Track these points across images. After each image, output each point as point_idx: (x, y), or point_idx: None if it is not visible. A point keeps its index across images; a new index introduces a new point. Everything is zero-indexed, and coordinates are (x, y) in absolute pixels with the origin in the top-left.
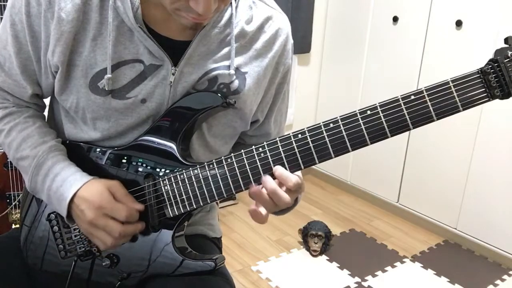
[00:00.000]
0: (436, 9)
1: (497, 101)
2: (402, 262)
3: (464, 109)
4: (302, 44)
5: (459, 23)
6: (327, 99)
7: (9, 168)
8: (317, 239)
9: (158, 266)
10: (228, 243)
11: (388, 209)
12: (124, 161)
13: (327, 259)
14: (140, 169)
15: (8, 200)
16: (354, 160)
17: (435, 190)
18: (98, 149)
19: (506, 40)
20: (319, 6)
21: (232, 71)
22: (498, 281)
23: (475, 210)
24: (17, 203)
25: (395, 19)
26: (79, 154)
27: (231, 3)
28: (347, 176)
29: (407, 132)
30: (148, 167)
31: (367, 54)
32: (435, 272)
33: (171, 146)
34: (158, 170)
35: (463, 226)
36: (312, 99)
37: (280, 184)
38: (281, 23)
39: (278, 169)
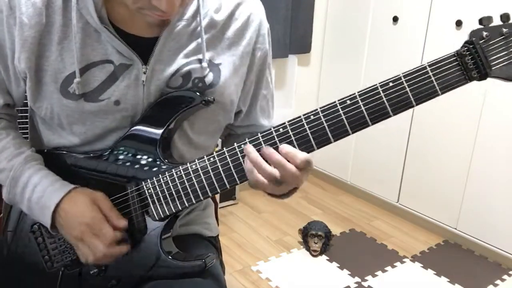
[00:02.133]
0: (436, 9)
1: (497, 100)
2: (402, 262)
3: (443, 93)
4: (302, 44)
5: (459, 23)
6: (327, 99)
7: None
8: (317, 239)
9: (146, 270)
10: (228, 243)
11: (388, 209)
12: (105, 166)
13: (327, 259)
14: (122, 174)
15: None
16: (354, 160)
17: (435, 190)
18: (77, 156)
19: (481, 21)
20: (319, 6)
21: (204, 64)
22: (498, 281)
23: (475, 210)
24: None
25: (395, 19)
26: (58, 163)
27: None
28: (347, 176)
29: (407, 132)
30: (130, 171)
31: (367, 54)
32: (435, 272)
33: (152, 148)
34: (140, 173)
35: (463, 226)
36: (312, 99)
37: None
38: (252, 7)
39: (285, 147)
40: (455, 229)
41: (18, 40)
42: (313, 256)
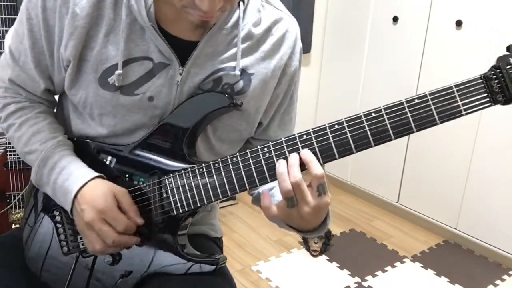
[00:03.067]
0: (436, 9)
1: None
2: (402, 262)
3: (467, 114)
4: (302, 44)
5: (459, 23)
6: (327, 99)
7: (9, 168)
8: (317, 239)
9: (159, 264)
10: (228, 243)
11: (388, 209)
12: (130, 158)
13: (327, 259)
14: (145, 167)
15: (8, 200)
16: (354, 160)
17: (435, 190)
18: (105, 147)
19: (508, 48)
20: (319, 6)
21: (237, 72)
22: (498, 281)
23: (475, 210)
24: (17, 202)
25: (395, 19)
26: (86, 152)
27: (239, 5)
28: (347, 176)
29: None
30: (154, 165)
31: (367, 54)
32: (435, 272)
33: (178, 144)
34: (163, 168)
35: (463, 226)
36: (312, 99)
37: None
38: (289, 25)
39: (308, 155)
40: (455, 229)
41: (67, 28)
42: (313, 256)
